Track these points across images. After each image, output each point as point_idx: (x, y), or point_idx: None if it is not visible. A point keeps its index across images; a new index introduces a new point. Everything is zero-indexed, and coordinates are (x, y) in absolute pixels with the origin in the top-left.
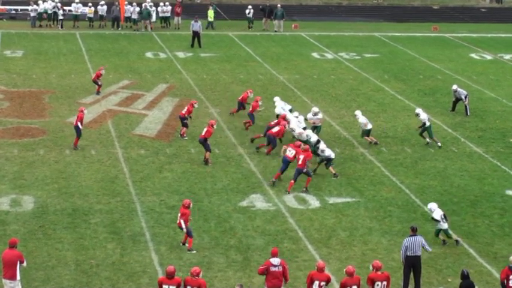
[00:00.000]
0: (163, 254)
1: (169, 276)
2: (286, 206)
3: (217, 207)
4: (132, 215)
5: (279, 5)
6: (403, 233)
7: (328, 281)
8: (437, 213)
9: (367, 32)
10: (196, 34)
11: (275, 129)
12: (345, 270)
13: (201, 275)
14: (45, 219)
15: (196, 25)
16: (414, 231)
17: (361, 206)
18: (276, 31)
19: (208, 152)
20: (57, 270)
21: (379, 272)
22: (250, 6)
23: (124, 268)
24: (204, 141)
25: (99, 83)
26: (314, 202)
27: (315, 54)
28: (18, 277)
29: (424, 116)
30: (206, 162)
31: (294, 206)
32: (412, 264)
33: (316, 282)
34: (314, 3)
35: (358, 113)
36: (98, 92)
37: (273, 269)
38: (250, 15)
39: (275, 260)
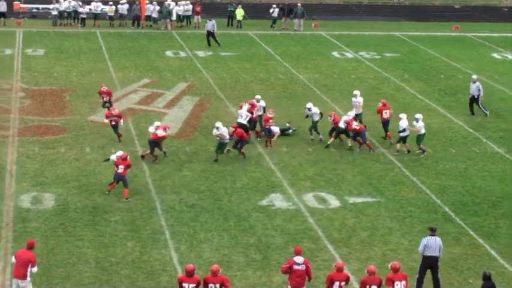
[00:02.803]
0: (183, 252)
1: (189, 274)
2: (305, 206)
3: (236, 206)
4: (152, 213)
5: (299, 4)
6: (423, 233)
7: (347, 280)
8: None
9: (387, 31)
10: (210, 33)
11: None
12: (366, 269)
13: (219, 274)
14: (66, 216)
15: (210, 24)
16: (434, 232)
17: (381, 206)
18: (296, 30)
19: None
20: (78, 267)
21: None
22: (274, 5)
23: (144, 266)
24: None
25: (104, 99)
26: (334, 202)
27: (335, 53)
28: (28, 278)
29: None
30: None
31: (313, 206)
32: (430, 265)
33: (337, 283)
34: (334, 2)
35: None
36: (105, 103)
37: (296, 267)
38: (275, 14)
39: (299, 259)
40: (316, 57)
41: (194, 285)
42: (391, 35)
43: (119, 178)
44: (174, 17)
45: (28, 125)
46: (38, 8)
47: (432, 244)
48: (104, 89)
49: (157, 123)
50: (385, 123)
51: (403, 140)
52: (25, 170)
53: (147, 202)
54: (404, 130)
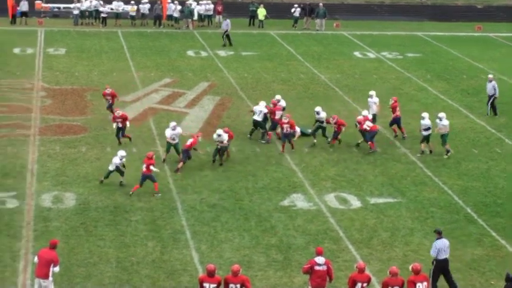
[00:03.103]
0: (204, 252)
1: (210, 274)
2: (327, 206)
3: (258, 206)
4: (173, 213)
5: (321, 4)
6: (445, 234)
7: (369, 281)
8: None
9: (409, 31)
10: (224, 33)
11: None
12: (388, 270)
13: (240, 274)
14: (87, 216)
15: (225, 23)
16: (440, 234)
17: (402, 206)
18: (317, 30)
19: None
20: (99, 267)
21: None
22: (296, 5)
23: (164, 266)
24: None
25: (109, 101)
26: (355, 202)
27: (357, 53)
28: (50, 278)
29: None
30: (177, 170)
31: (335, 206)
32: (443, 268)
33: (359, 284)
34: (356, 2)
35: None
36: (110, 107)
37: (317, 268)
38: (296, 13)
39: (320, 259)
40: (338, 57)
41: (215, 285)
42: (413, 35)
43: (144, 178)
44: (195, 17)
45: (49, 124)
46: (59, 8)
47: (443, 247)
48: (108, 90)
49: (173, 124)
50: (398, 120)
51: (427, 139)
52: (46, 169)
53: (168, 202)
54: (428, 128)
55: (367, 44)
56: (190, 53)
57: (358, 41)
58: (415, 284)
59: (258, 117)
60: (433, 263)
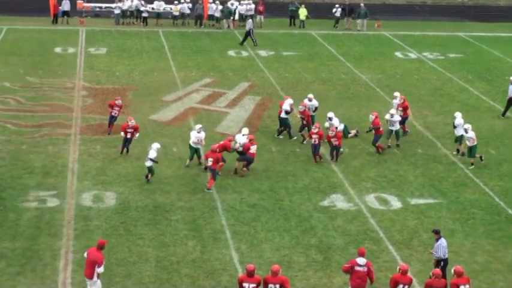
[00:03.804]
0: (244, 252)
1: (250, 274)
2: (367, 207)
3: (297, 206)
4: (213, 213)
5: (362, 4)
6: (486, 235)
7: (411, 283)
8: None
9: (451, 32)
10: (248, 32)
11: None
12: (431, 272)
13: (279, 274)
14: (127, 215)
15: (249, 23)
16: (439, 234)
17: (443, 207)
18: (359, 30)
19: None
20: (138, 266)
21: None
22: (337, 5)
23: (204, 265)
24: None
25: (113, 114)
26: (396, 203)
27: (398, 54)
28: (94, 278)
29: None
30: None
31: (375, 207)
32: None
33: (400, 286)
34: (398, 2)
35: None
36: (112, 119)
37: (357, 268)
38: (337, 14)
39: (361, 260)
40: (379, 58)
41: (254, 285)
42: (454, 35)
43: (211, 171)
44: (237, 17)
45: (90, 124)
46: (100, 7)
47: (446, 246)
48: (118, 102)
49: (199, 126)
50: (405, 119)
51: (459, 140)
52: (87, 169)
53: (208, 201)
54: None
55: (408, 45)
56: (231, 52)
57: (399, 41)
58: (458, 287)
59: (284, 115)
60: (440, 262)
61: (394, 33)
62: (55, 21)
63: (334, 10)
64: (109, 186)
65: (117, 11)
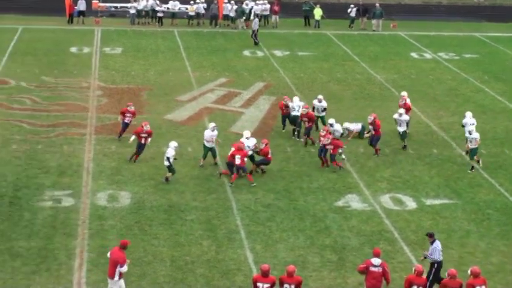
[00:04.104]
0: (258, 252)
1: (264, 274)
2: (382, 207)
3: (312, 206)
4: (228, 213)
5: (377, 4)
6: (501, 236)
7: (425, 285)
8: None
9: (466, 32)
10: (253, 32)
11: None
12: (447, 272)
13: (295, 274)
14: (142, 215)
15: (254, 22)
16: (433, 237)
17: (458, 208)
18: (374, 30)
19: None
20: (153, 265)
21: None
22: (352, 5)
23: (219, 265)
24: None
25: (125, 120)
26: (411, 203)
27: (413, 54)
28: (116, 277)
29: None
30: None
31: (390, 207)
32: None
33: (415, 287)
34: (413, 2)
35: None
36: (126, 127)
37: (372, 269)
38: (352, 14)
39: (376, 260)
40: (394, 58)
41: (269, 285)
42: (470, 35)
43: (238, 169)
44: (252, 16)
45: (105, 123)
46: (116, 7)
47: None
48: (131, 108)
49: (213, 125)
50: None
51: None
52: (102, 168)
53: (222, 201)
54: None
55: (424, 45)
56: (246, 52)
57: (414, 41)
58: (474, 287)
59: (297, 113)
60: (434, 265)
61: (409, 34)
62: (70, 21)
63: (349, 10)
64: (124, 185)
65: (132, 11)
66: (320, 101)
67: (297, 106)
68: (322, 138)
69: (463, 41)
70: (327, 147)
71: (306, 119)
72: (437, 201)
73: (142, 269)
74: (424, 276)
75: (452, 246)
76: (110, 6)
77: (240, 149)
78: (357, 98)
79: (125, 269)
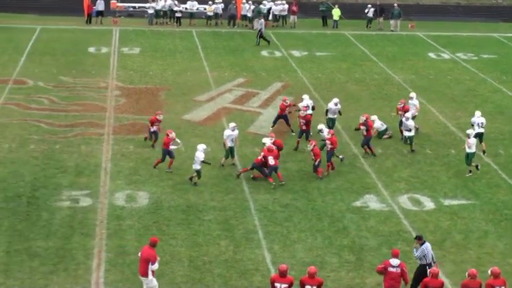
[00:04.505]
0: (276, 252)
1: (282, 274)
2: (400, 207)
3: (330, 206)
4: (245, 213)
5: (395, 4)
6: None
7: (442, 287)
8: None
9: (484, 33)
10: (258, 32)
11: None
12: (467, 272)
13: (316, 276)
14: (160, 215)
15: (259, 23)
16: (422, 239)
17: (476, 208)
18: (392, 30)
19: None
20: (171, 265)
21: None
22: (369, 5)
23: (237, 265)
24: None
25: (154, 129)
26: (429, 204)
27: (431, 54)
28: (150, 276)
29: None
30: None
31: (408, 208)
32: (426, 272)
33: None
34: (432, 2)
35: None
36: (152, 145)
37: (391, 269)
38: (370, 14)
39: (394, 261)
40: (412, 58)
41: (286, 285)
42: (488, 36)
43: (271, 169)
44: (270, 17)
45: (123, 123)
46: (134, 7)
47: (430, 251)
48: (160, 117)
49: (233, 125)
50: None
51: (479, 137)
52: (120, 168)
53: (240, 201)
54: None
55: (442, 45)
56: (264, 53)
57: (432, 41)
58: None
59: (310, 111)
60: (426, 267)
61: (427, 34)
62: (89, 21)
63: (366, 10)
64: (142, 186)
65: (150, 11)
66: (336, 104)
67: (309, 104)
68: (327, 142)
69: (481, 42)
70: (301, 121)
71: (304, 121)
72: (455, 202)
73: (160, 268)
74: (441, 278)
75: (471, 247)
76: (128, 6)
77: (270, 150)
78: (375, 98)
79: (156, 266)
